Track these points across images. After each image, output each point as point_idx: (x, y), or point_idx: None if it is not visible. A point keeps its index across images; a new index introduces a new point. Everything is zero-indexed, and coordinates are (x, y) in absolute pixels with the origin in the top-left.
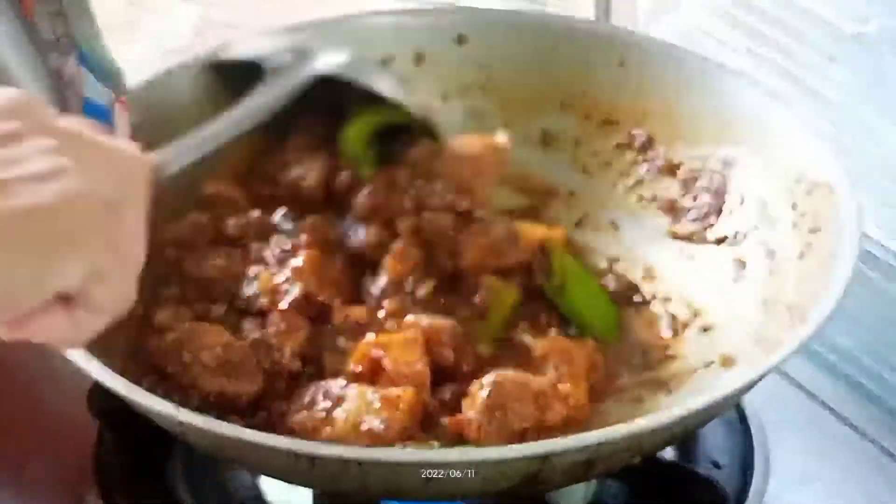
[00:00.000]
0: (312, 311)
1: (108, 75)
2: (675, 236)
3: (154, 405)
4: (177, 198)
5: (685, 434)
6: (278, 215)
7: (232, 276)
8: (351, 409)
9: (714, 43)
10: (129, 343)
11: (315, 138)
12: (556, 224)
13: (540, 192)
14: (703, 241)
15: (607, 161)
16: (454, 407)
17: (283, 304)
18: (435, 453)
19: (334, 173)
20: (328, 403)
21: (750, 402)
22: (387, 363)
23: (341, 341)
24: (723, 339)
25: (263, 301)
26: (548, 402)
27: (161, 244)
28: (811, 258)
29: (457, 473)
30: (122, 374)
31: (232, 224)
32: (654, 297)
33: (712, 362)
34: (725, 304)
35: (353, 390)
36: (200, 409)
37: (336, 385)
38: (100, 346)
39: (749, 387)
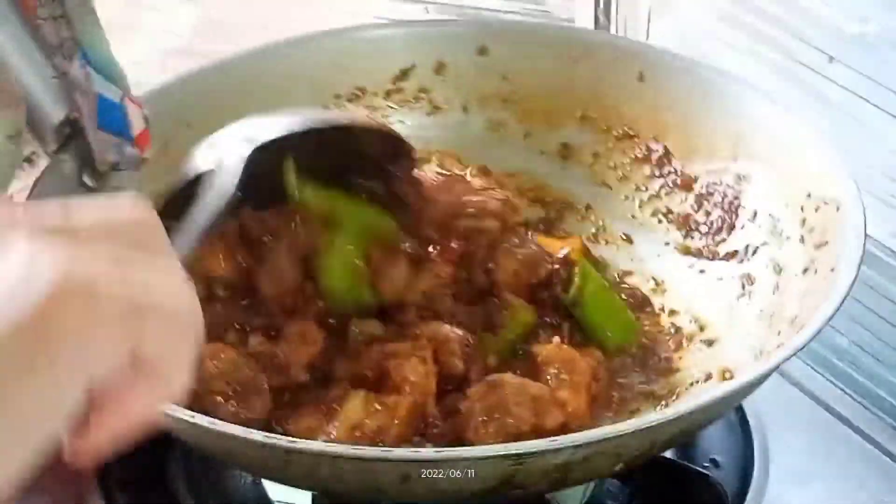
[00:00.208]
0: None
1: (112, 76)
2: (687, 251)
3: None
4: None
5: (667, 444)
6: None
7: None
8: (349, 415)
9: (714, 43)
10: None
11: None
12: (571, 235)
13: (556, 205)
14: (714, 255)
15: (625, 175)
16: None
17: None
18: (406, 451)
19: None
20: (328, 408)
21: (750, 402)
22: (394, 372)
23: (352, 350)
24: (724, 353)
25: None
26: (546, 407)
27: None
28: (815, 273)
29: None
30: None
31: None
32: (661, 310)
33: (711, 376)
34: (730, 318)
35: (354, 397)
36: None
37: (338, 391)
38: None
39: (722, 403)
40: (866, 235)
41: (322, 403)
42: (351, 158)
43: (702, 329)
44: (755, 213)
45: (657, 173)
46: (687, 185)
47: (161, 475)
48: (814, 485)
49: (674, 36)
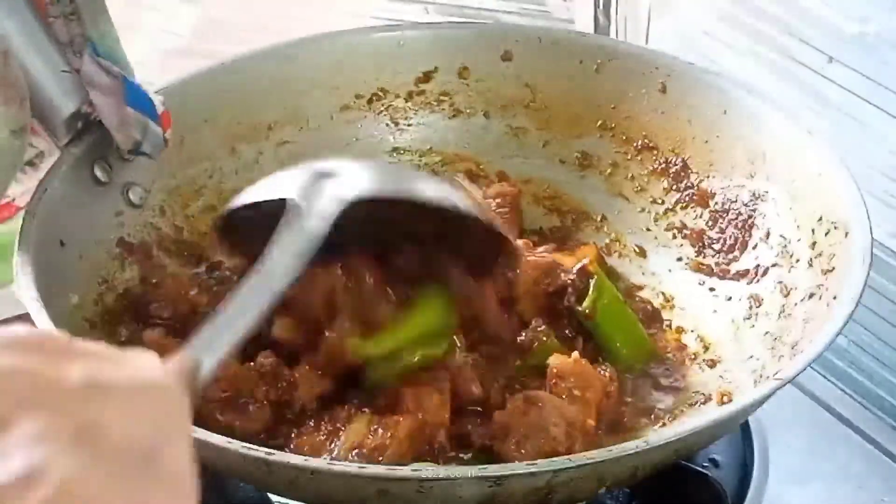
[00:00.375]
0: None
1: (123, 66)
2: (699, 267)
3: None
4: None
5: (651, 470)
6: None
7: None
8: (352, 434)
9: (714, 43)
10: None
11: None
12: (586, 244)
13: (572, 214)
14: (725, 273)
15: (642, 186)
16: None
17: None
18: (381, 468)
19: None
20: (333, 427)
21: None
22: (409, 400)
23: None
24: (725, 374)
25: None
26: (575, 433)
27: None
28: (819, 299)
29: (409, 491)
30: None
31: None
32: (668, 327)
33: (710, 398)
34: (735, 339)
35: (360, 418)
36: None
37: (345, 411)
38: None
39: (706, 433)
40: (872, 264)
41: (328, 422)
42: (441, 240)
43: (706, 349)
44: (768, 233)
45: (674, 187)
46: (703, 200)
47: None
48: (813, 484)
49: (674, 36)
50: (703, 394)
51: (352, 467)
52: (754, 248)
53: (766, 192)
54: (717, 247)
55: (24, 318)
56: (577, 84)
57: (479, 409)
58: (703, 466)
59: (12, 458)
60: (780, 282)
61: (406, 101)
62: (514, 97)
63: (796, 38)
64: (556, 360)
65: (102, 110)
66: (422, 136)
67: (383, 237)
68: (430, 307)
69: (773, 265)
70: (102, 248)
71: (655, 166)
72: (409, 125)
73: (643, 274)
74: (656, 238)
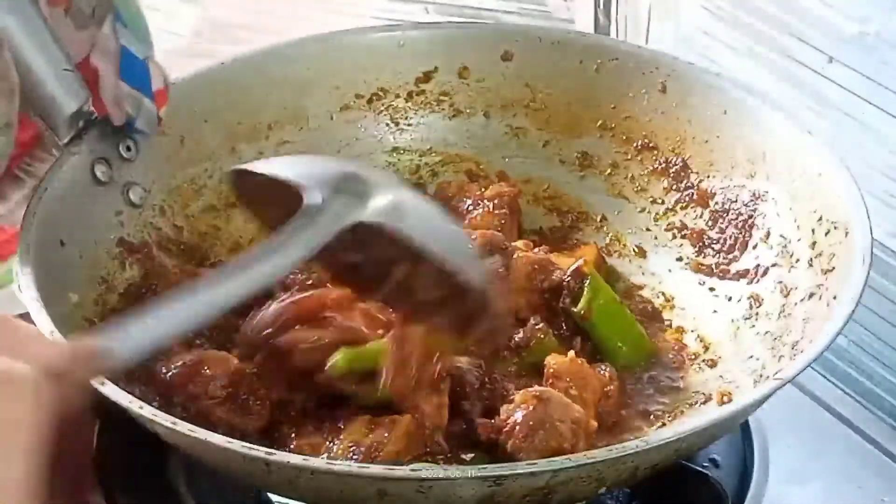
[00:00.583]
0: None
1: (140, 34)
2: (699, 267)
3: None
4: None
5: (652, 470)
6: None
7: None
8: (351, 433)
9: (714, 43)
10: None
11: None
12: (586, 243)
13: (572, 214)
14: (725, 274)
15: (642, 186)
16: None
17: None
18: (381, 468)
19: None
20: (333, 427)
21: None
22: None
23: None
24: (725, 374)
25: None
26: (580, 431)
27: None
28: (819, 299)
29: (408, 491)
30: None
31: None
32: (669, 326)
33: (711, 397)
34: (735, 339)
35: (360, 419)
36: None
37: (346, 411)
38: None
39: (705, 434)
40: (871, 264)
41: (328, 421)
42: (432, 289)
43: (706, 349)
44: (768, 233)
45: (674, 187)
46: (703, 200)
47: (161, 475)
48: (813, 484)
49: (674, 36)
50: (703, 394)
51: (352, 467)
52: (754, 248)
53: (766, 191)
54: (717, 247)
55: (25, 317)
56: (577, 84)
57: (474, 408)
58: (703, 466)
59: None
60: (780, 282)
61: (406, 101)
62: (514, 97)
63: (796, 38)
64: (553, 360)
65: (103, 79)
66: (422, 135)
67: (375, 257)
68: None
69: (773, 265)
70: (102, 248)
71: (655, 166)
72: (409, 125)
73: (643, 274)
74: (656, 238)
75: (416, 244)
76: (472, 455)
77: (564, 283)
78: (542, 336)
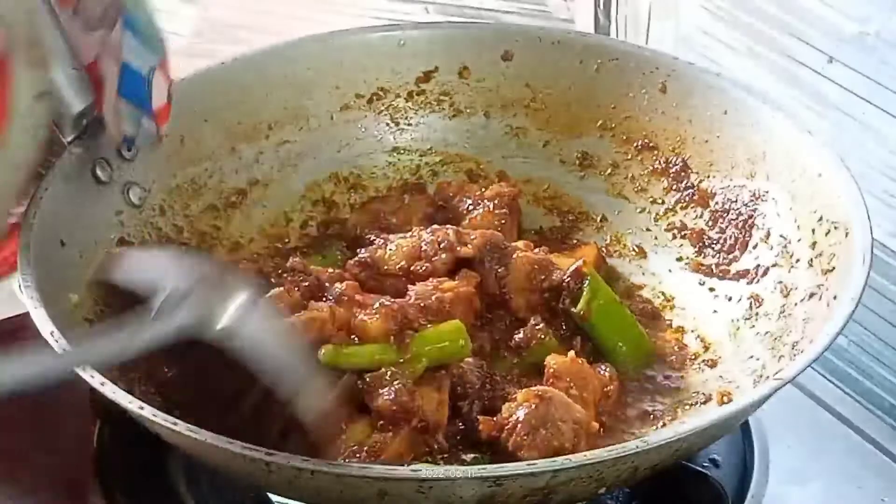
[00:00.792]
0: None
1: (152, 37)
2: (699, 267)
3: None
4: None
5: (652, 470)
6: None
7: None
8: (353, 434)
9: (714, 43)
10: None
11: None
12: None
13: (572, 214)
14: (725, 274)
15: (642, 187)
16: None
17: None
18: (385, 469)
19: None
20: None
21: None
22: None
23: None
24: (725, 374)
25: None
26: (581, 432)
27: None
28: (819, 299)
29: (409, 491)
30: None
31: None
32: (669, 327)
33: (711, 398)
34: (735, 339)
35: (361, 418)
36: None
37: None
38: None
39: (705, 434)
40: (872, 264)
41: None
42: None
43: (706, 349)
44: (768, 233)
45: (674, 187)
46: (703, 200)
47: (161, 475)
48: (813, 484)
49: (674, 36)
50: (703, 394)
51: (352, 468)
52: (754, 248)
53: (767, 192)
54: (717, 247)
55: (25, 317)
56: (578, 84)
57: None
58: (703, 466)
59: None
60: (781, 282)
61: (406, 101)
62: (514, 97)
63: (796, 38)
64: (553, 360)
65: (106, 91)
66: (422, 135)
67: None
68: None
69: (774, 265)
70: (102, 248)
71: (655, 166)
72: (409, 125)
73: (643, 274)
74: (656, 238)
75: (248, 362)
76: (474, 455)
77: (564, 284)
78: (542, 336)
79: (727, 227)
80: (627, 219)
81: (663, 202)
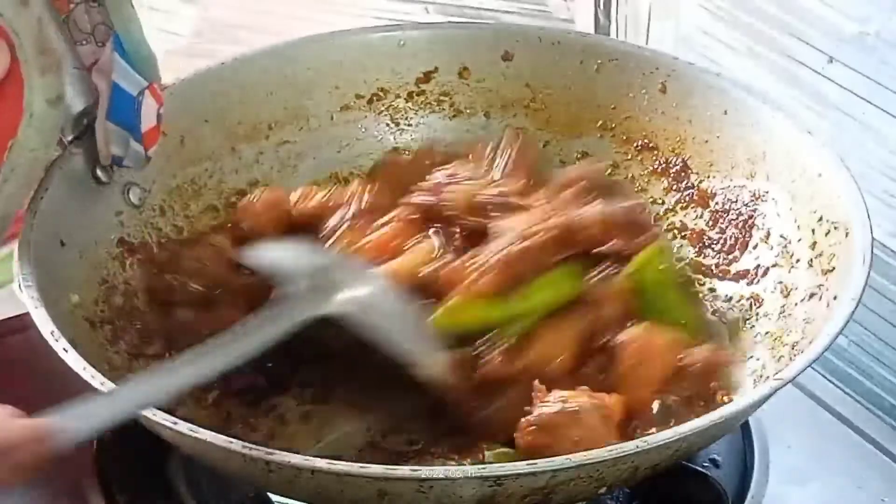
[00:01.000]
0: None
1: (142, 60)
2: (699, 268)
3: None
4: None
5: (652, 470)
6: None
7: None
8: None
9: (714, 43)
10: None
11: None
12: None
13: None
14: (725, 274)
15: (642, 187)
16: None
17: None
18: (385, 469)
19: None
20: None
21: None
22: None
23: None
24: (726, 375)
25: None
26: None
27: None
28: (819, 300)
29: (409, 491)
30: None
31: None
32: None
33: (711, 398)
34: (736, 339)
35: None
36: None
37: None
38: None
39: (704, 434)
40: (872, 264)
41: None
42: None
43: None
44: (768, 234)
45: (674, 187)
46: (703, 200)
47: (161, 475)
48: (813, 484)
49: (674, 36)
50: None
51: (352, 467)
52: (754, 248)
53: (767, 192)
54: (717, 247)
55: (25, 317)
56: (578, 84)
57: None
58: (703, 466)
59: None
60: (780, 282)
61: (406, 101)
62: (514, 97)
63: (796, 38)
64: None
65: (101, 106)
66: (422, 136)
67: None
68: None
69: (774, 265)
70: (102, 248)
71: (656, 166)
72: (409, 125)
73: None
74: None
75: (375, 338)
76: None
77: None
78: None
79: (727, 227)
80: None
81: (663, 202)
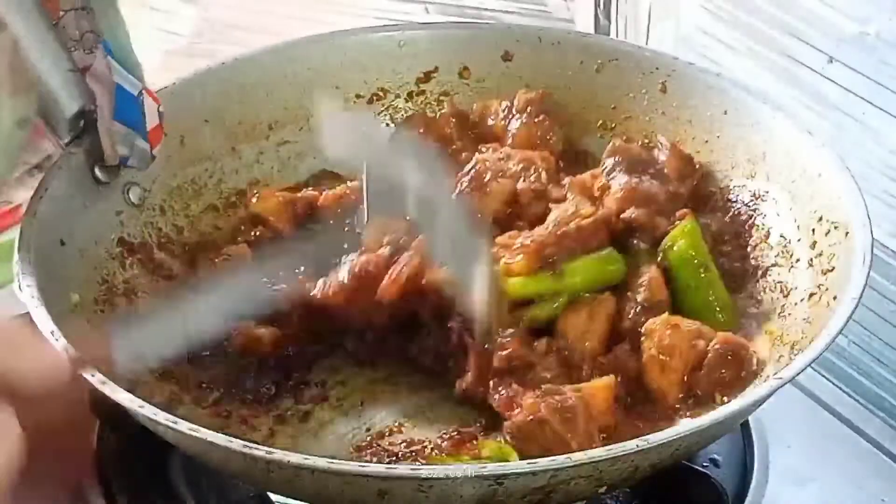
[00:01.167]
0: None
1: (131, 67)
2: None
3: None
4: None
5: (652, 469)
6: None
7: None
8: None
9: (714, 43)
10: None
11: None
12: None
13: None
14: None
15: None
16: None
17: None
18: (385, 468)
19: None
20: None
21: None
22: None
23: None
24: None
25: None
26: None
27: None
28: (819, 300)
29: (409, 490)
30: None
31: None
32: None
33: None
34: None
35: None
36: None
37: None
38: None
39: (704, 434)
40: (872, 264)
41: None
42: None
43: None
44: (768, 233)
45: None
46: (703, 200)
47: (161, 475)
48: (813, 484)
49: (674, 36)
50: None
51: (352, 466)
52: (755, 248)
53: (767, 192)
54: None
55: (24, 317)
56: (578, 84)
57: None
58: (704, 466)
59: None
60: (780, 282)
61: (406, 102)
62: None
63: (796, 38)
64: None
65: (101, 112)
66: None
67: None
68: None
69: (773, 265)
70: (102, 248)
71: None
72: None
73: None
74: None
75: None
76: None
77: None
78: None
79: (728, 226)
80: None
81: None
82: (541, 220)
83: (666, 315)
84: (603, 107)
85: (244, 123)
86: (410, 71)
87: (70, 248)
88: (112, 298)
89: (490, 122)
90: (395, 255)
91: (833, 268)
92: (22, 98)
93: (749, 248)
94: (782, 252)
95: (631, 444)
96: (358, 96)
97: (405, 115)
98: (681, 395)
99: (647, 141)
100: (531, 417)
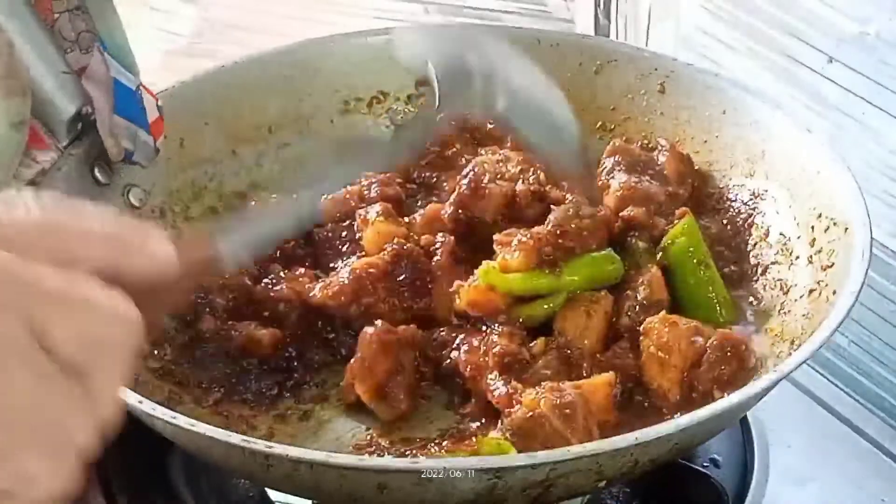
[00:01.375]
0: None
1: (127, 67)
2: None
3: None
4: None
5: (652, 463)
6: None
7: None
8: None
9: (714, 43)
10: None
11: None
12: None
13: None
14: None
15: None
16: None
17: None
18: (384, 462)
19: None
20: None
21: None
22: None
23: None
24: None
25: None
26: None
27: None
28: (818, 296)
29: (408, 484)
30: None
31: None
32: None
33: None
34: None
35: None
36: None
37: None
38: None
39: (701, 430)
40: (871, 260)
41: None
42: None
43: None
44: (768, 232)
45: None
46: (702, 200)
47: (161, 475)
48: (813, 484)
49: (674, 36)
50: None
51: (351, 460)
52: (754, 246)
53: (766, 190)
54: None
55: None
56: (577, 85)
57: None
58: (704, 466)
59: None
60: (780, 279)
61: (406, 104)
62: None
63: (796, 38)
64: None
65: (100, 112)
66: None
67: None
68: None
69: (773, 263)
70: None
71: None
72: (408, 127)
73: None
74: None
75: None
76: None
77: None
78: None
79: (727, 225)
80: None
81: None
82: (540, 221)
83: (663, 313)
84: (602, 108)
85: (244, 126)
86: (410, 73)
87: None
88: None
89: (489, 124)
90: (395, 259)
91: (832, 264)
92: (17, 100)
93: (749, 247)
94: (782, 250)
95: (630, 437)
96: (357, 99)
97: (405, 118)
98: (680, 393)
99: (646, 142)
100: (530, 414)
